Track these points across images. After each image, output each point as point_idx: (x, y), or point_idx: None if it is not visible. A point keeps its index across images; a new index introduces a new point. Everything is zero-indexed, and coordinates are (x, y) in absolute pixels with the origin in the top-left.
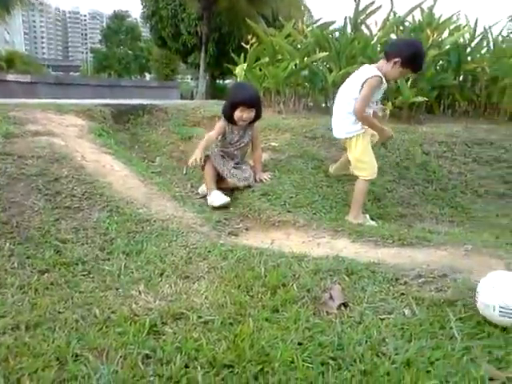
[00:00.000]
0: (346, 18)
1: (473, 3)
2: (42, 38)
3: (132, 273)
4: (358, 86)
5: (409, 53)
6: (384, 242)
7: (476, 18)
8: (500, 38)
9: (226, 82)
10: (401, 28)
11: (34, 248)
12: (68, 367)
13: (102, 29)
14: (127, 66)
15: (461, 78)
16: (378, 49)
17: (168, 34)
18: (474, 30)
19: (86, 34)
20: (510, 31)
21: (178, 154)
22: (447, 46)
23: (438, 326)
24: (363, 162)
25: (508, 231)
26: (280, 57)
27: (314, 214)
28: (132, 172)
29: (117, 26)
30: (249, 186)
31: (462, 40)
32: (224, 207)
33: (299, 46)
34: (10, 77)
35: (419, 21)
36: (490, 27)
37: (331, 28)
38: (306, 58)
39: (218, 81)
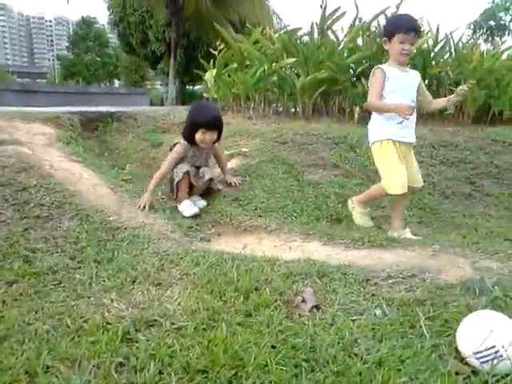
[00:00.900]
0: (312, 23)
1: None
2: (5, 43)
3: (104, 281)
4: None
5: (386, 25)
6: (354, 244)
7: (438, 24)
8: (460, 44)
9: (196, 87)
10: (367, 33)
11: (2, 259)
12: (38, 380)
13: (69, 35)
14: (96, 73)
15: (426, 81)
16: (345, 54)
17: (136, 41)
18: (437, 36)
19: (52, 40)
20: (469, 38)
21: (149, 160)
22: (413, 51)
23: (408, 325)
24: (380, 171)
25: (474, 231)
26: (248, 63)
27: (286, 218)
28: (102, 180)
29: (84, 33)
30: (218, 190)
31: (425, 45)
32: (195, 216)
33: (267, 52)
34: None
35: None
36: (450, 33)
37: (299, 34)
38: (274, 64)
39: (187, 87)
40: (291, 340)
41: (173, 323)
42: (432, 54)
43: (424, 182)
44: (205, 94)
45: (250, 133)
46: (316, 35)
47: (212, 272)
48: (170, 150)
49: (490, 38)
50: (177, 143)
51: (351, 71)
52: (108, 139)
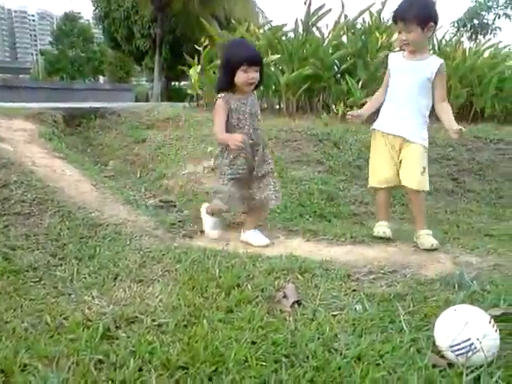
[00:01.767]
0: (297, 20)
1: None
2: None
3: (85, 278)
4: None
5: None
6: (337, 240)
7: None
8: (443, 42)
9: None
10: (352, 31)
11: None
12: (14, 379)
13: (53, 30)
14: (80, 69)
15: None
16: (330, 51)
17: (121, 37)
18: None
19: (35, 35)
20: (453, 36)
21: (132, 157)
22: (396, 48)
23: (388, 320)
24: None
25: (455, 226)
26: None
27: (269, 214)
28: (84, 176)
29: (68, 28)
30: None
31: None
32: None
33: None
34: None
35: (368, 23)
36: (434, 31)
37: (284, 30)
38: None
39: (173, 83)
40: (272, 336)
41: (154, 320)
42: None
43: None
44: (189, 91)
45: None
46: (301, 32)
47: (194, 268)
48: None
49: (473, 36)
50: (216, 100)
51: (335, 68)
52: (91, 135)
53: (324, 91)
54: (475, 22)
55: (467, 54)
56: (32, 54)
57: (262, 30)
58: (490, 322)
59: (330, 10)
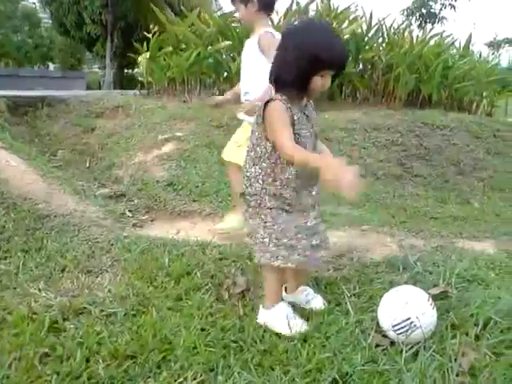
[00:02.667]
0: None
1: None
2: None
3: (31, 270)
4: None
5: None
6: None
7: (371, 9)
8: (392, 30)
9: (135, 71)
10: (303, 17)
11: None
12: None
13: None
14: (28, 55)
15: (360, 66)
16: None
17: (71, 23)
18: (370, 22)
19: None
20: (401, 24)
21: (81, 146)
22: (346, 36)
23: (334, 302)
24: None
25: (403, 210)
26: (184, 46)
27: (220, 202)
28: (30, 167)
29: (9, 10)
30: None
31: (359, 30)
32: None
33: (203, 35)
34: None
35: (319, 11)
36: (383, 19)
37: (235, 17)
38: (209, 47)
39: (126, 71)
40: (221, 322)
41: (102, 310)
42: (365, 39)
43: (356, 164)
44: (139, 78)
45: (184, 117)
46: None
47: (143, 258)
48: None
49: (422, 25)
50: (268, 103)
51: None
52: (38, 125)
53: None
54: (423, 11)
55: (414, 42)
56: None
57: (213, 17)
58: (428, 301)
59: None
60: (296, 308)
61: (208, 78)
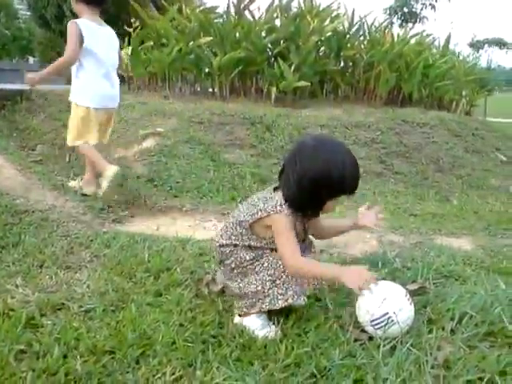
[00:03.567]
0: (228, 2)
1: None
2: None
3: (8, 266)
4: None
5: None
6: None
7: (353, 7)
8: (373, 28)
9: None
10: (285, 14)
11: None
12: None
13: None
14: (6, 48)
15: (341, 63)
16: (263, 34)
17: (51, 15)
18: (352, 19)
19: None
20: (383, 22)
21: (61, 141)
22: (328, 33)
23: (313, 298)
24: None
25: (383, 207)
26: (165, 41)
27: (201, 198)
28: (8, 161)
29: None
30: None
31: (341, 28)
32: None
33: (184, 31)
34: None
35: (301, 8)
36: (365, 17)
37: (216, 12)
38: (191, 43)
39: None
40: (200, 317)
41: (81, 306)
42: (347, 37)
43: None
44: (120, 72)
45: (165, 112)
46: (233, 14)
47: (123, 254)
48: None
49: (404, 24)
50: (271, 214)
51: (268, 52)
52: (17, 119)
53: (257, 75)
54: (405, 10)
55: (395, 40)
56: None
57: (194, 12)
58: (405, 296)
59: None
60: None
61: (189, 74)
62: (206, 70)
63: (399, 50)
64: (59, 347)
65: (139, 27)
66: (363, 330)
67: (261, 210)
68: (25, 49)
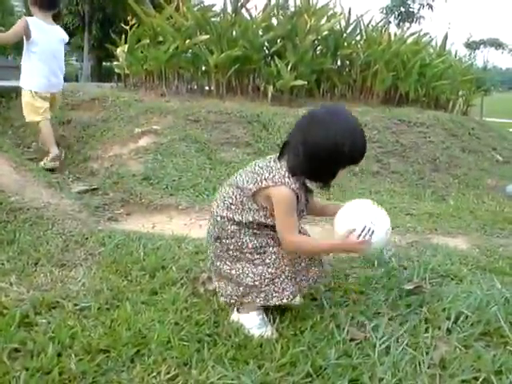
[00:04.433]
0: (225, 1)
1: None
2: None
3: (3, 264)
4: None
5: None
6: None
7: (350, 6)
8: (370, 27)
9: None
10: (282, 13)
11: None
12: None
13: None
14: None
15: (338, 62)
16: (260, 33)
17: None
18: (348, 18)
19: None
20: (379, 21)
21: (56, 138)
22: (325, 32)
23: (309, 297)
24: None
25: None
26: (161, 39)
27: (197, 196)
28: (3, 159)
29: None
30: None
31: (338, 27)
32: None
33: (181, 29)
34: None
35: (298, 7)
36: (361, 16)
37: (213, 11)
38: (187, 41)
39: (104, 63)
40: (195, 316)
41: (76, 304)
42: (344, 36)
43: None
44: (117, 70)
45: (162, 110)
46: (230, 12)
47: (118, 252)
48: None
49: (401, 24)
50: (277, 185)
51: (265, 50)
52: (12, 116)
53: (254, 73)
54: (402, 9)
55: (392, 39)
56: None
57: (191, 10)
58: (373, 204)
59: None
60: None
61: (186, 72)
62: (203, 68)
63: (396, 49)
64: (53, 346)
65: (136, 25)
66: (359, 330)
67: (266, 179)
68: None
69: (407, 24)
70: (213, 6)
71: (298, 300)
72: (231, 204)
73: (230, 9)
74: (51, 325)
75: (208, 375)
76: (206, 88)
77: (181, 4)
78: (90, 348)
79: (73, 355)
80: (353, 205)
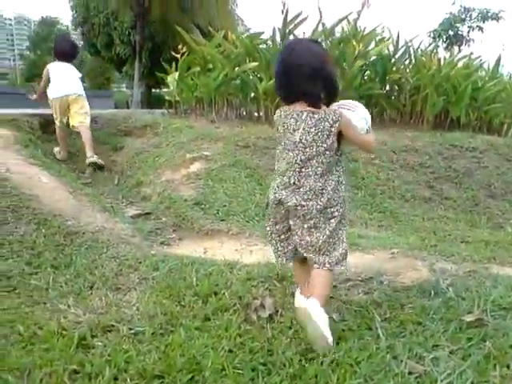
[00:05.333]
0: (274, 28)
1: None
2: None
3: (61, 286)
4: None
5: None
6: None
7: (398, 31)
8: (419, 52)
9: (164, 90)
10: (329, 39)
11: None
12: None
13: (30, 35)
14: None
15: (387, 87)
16: None
17: (101, 43)
18: (397, 43)
19: (12, 40)
20: (428, 46)
21: (109, 164)
22: (373, 57)
23: (364, 327)
24: None
25: (432, 234)
26: (211, 66)
27: (247, 221)
28: (61, 183)
29: (46, 33)
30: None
31: (386, 51)
32: None
33: (230, 56)
34: None
35: (345, 32)
36: (410, 40)
37: (261, 38)
38: (236, 68)
39: (154, 90)
40: (249, 344)
41: (130, 328)
42: (392, 60)
43: (384, 185)
44: (167, 97)
45: (212, 136)
46: (278, 39)
47: (171, 276)
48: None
49: (449, 47)
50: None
51: None
52: (68, 142)
53: None
54: (450, 33)
55: (442, 63)
56: (9, 60)
57: (240, 38)
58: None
59: (307, 17)
60: None
61: (235, 98)
62: (252, 95)
63: (446, 73)
64: (110, 369)
65: (186, 53)
66: (417, 363)
67: (331, 125)
68: None
69: (456, 47)
70: (261, 33)
71: None
72: (322, 173)
73: (278, 36)
74: (107, 348)
75: None
76: (255, 114)
77: (229, 32)
78: (144, 373)
79: (128, 379)
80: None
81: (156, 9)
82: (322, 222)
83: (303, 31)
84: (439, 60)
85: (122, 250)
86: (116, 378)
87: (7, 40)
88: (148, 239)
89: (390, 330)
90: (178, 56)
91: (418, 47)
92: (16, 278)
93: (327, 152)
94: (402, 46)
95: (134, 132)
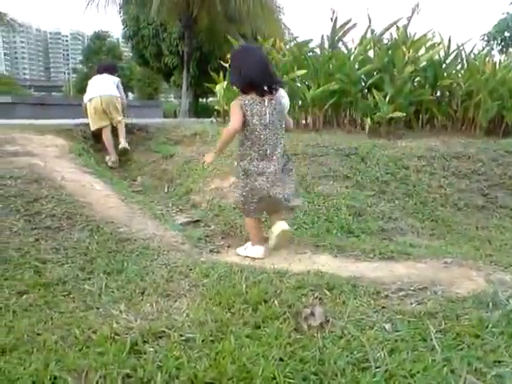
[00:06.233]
0: (322, 36)
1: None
2: (23, 58)
3: (113, 292)
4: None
5: None
6: (365, 256)
7: (449, 35)
8: (472, 56)
9: (210, 100)
10: (378, 45)
11: (13, 269)
12: None
13: (83, 49)
14: None
15: (438, 93)
16: (356, 66)
17: (150, 54)
18: (448, 47)
19: (67, 55)
20: (482, 50)
21: (159, 172)
22: (423, 63)
23: (418, 338)
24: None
25: (487, 243)
26: None
27: (296, 229)
28: (113, 191)
29: (97, 46)
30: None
31: (437, 57)
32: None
33: (278, 64)
34: None
35: (395, 38)
36: (462, 45)
37: (309, 46)
38: (284, 76)
39: (201, 99)
40: (300, 353)
41: (181, 335)
42: (444, 66)
43: (436, 193)
44: (216, 107)
45: None
46: (326, 47)
47: (221, 284)
48: None
49: (504, 50)
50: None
51: (362, 83)
52: (120, 151)
53: (351, 106)
54: (506, 34)
55: (497, 67)
56: (64, 73)
57: (287, 46)
58: None
59: (356, 24)
60: None
61: None
62: (300, 103)
63: (502, 76)
64: (161, 375)
65: None
66: (478, 378)
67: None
68: (125, 86)
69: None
70: (310, 41)
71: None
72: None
73: (327, 43)
74: (158, 354)
75: None
76: (303, 122)
77: (278, 40)
78: (195, 379)
79: None
80: None
81: (203, 19)
82: None
83: (352, 38)
84: (494, 63)
85: (173, 257)
86: None
87: (63, 55)
88: (197, 246)
89: (446, 342)
90: (226, 65)
91: (471, 51)
92: (71, 283)
93: None
94: (454, 51)
95: (184, 141)
